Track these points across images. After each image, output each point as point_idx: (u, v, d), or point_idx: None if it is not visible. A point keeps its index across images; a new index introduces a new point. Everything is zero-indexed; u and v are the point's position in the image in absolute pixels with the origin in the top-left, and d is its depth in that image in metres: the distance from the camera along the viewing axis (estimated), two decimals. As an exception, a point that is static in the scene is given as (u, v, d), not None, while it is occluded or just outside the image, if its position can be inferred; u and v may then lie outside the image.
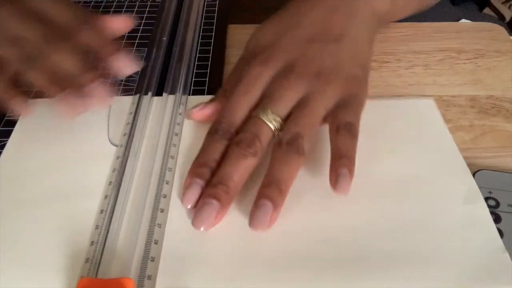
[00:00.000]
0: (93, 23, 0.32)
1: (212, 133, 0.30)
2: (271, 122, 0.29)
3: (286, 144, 0.28)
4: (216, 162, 0.29)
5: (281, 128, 0.30)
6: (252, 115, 0.30)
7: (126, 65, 0.31)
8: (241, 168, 0.28)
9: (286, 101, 0.30)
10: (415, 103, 0.36)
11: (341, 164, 0.28)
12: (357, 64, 0.33)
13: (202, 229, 0.27)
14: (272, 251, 0.27)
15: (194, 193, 0.28)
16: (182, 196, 0.28)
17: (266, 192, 0.27)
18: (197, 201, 0.28)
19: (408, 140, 0.33)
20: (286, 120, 0.30)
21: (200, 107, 0.33)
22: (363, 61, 0.34)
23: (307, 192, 0.30)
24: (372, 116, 0.32)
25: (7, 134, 0.34)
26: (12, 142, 0.33)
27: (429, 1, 0.44)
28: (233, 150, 0.28)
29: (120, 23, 0.34)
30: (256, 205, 0.27)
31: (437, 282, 0.25)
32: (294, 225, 0.28)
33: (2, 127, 0.35)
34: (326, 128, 0.30)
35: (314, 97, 0.30)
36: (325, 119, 0.31)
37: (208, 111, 0.33)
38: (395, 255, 0.26)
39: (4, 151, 0.33)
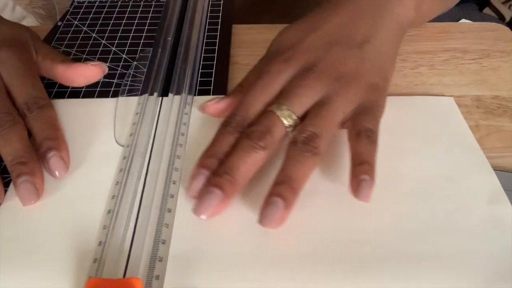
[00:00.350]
0: (47, 110, 0.32)
1: (224, 125, 0.30)
2: (286, 118, 0.29)
3: (302, 143, 0.28)
4: (225, 154, 0.28)
5: (295, 126, 0.29)
6: (267, 110, 0.30)
7: (57, 168, 0.30)
8: (249, 160, 0.27)
9: (303, 100, 0.30)
10: (435, 101, 0.36)
11: (362, 170, 0.27)
12: (377, 73, 0.32)
13: (203, 217, 0.26)
14: (283, 252, 0.26)
15: (198, 183, 0.28)
16: (188, 186, 0.28)
17: (278, 190, 0.26)
18: None
19: (429, 138, 0.33)
20: (302, 120, 0.29)
21: (215, 101, 0.33)
22: (384, 71, 0.33)
23: (322, 194, 0.29)
24: (393, 114, 0.32)
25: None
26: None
27: (449, 3, 0.44)
28: (242, 142, 0.28)
29: (93, 70, 0.35)
30: (267, 202, 0.26)
31: (461, 283, 0.25)
32: (308, 226, 0.28)
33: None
34: (341, 132, 0.30)
35: (332, 99, 0.30)
36: (343, 125, 0.30)
37: (222, 105, 0.33)
38: (417, 256, 0.26)
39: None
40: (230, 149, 0.29)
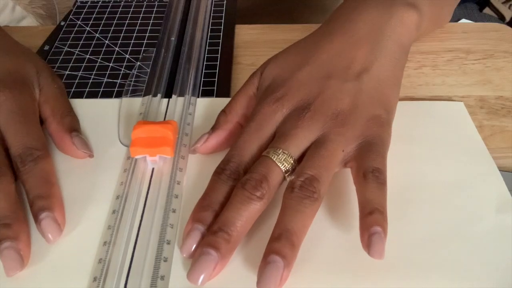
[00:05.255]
0: (42, 163, 0.29)
1: (218, 173, 0.28)
2: (282, 163, 0.27)
3: (299, 189, 0.26)
4: (220, 205, 0.27)
5: (293, 170, 0.27)
6: (262, 155, 0.28)
7: (50, 231, 0.27)
8: (245, 214, 0.25)
9: (299, 141, 0.28)
10: (445, 106, 0.36)
11: (373, 221, 0.25)
12: (379, 104, 0.30)
13: (199, 283, 0.24)
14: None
15: (193, 241, 0.26)
16: (182, 243, 0.26)
17: (276, 247, 0.24)
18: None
19: (438, 144, 0.33)
20: (300, 162, 0.28)
21: (204, 140, 0.31)
22: (386, 101, 0.31)
23: (329, 200, 0.28)
24: (402, 119, 0.32)
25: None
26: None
27: (442, 22, 0.44)
28: (237, 193, 0.26)
29: (78, 155, 0.31)
30: (265, 262, 0.24)
31: None
32: (315, 231, 0.27)
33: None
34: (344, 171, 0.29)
35: (330, 138, 0.28)
36: (345, 164, 0.28)
37: (212, 142, 0.31)
38: (423, 264, 0.26)
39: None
40: (226, 199, 0.27)
